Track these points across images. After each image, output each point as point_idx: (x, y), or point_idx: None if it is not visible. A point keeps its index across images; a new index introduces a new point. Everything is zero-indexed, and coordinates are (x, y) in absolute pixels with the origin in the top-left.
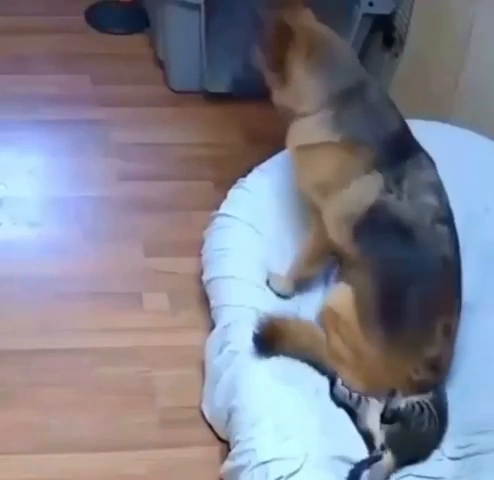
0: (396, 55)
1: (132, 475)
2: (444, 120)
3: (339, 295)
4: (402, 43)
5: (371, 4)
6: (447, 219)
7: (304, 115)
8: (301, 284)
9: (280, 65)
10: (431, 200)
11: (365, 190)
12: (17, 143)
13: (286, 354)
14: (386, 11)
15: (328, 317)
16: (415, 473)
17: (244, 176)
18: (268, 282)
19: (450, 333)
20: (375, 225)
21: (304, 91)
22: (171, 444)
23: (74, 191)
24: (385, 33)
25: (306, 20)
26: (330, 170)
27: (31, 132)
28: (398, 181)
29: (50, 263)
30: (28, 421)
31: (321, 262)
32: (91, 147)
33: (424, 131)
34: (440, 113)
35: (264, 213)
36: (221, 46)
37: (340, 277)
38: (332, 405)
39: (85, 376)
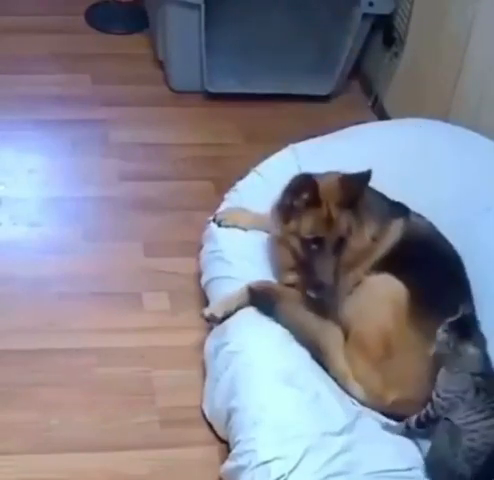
0: (396, 55)
1: (132, 475)
2: (444, 120)
3: None
4: (402, 43)
5: (371, 4)
6: None
7: None
8: None
9: None
10: None
11: None
12: (17, 143)
13: (287, 327)
14: (386, 11)
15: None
16: None
17: (243, 177)
18: None
19: None
20: None
21: None
22: (171, 444)
23: (74, 191)
24: (385, 33)
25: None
26: None
27: (31, 132)
28: None
29: (50, 263)
30: (28, 421)
31: None
32: (91, 147)
33: (424, 131)
34: (440, 113)
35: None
36: (221, 46)
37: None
38: (331, 404)
39: (85, 376)
